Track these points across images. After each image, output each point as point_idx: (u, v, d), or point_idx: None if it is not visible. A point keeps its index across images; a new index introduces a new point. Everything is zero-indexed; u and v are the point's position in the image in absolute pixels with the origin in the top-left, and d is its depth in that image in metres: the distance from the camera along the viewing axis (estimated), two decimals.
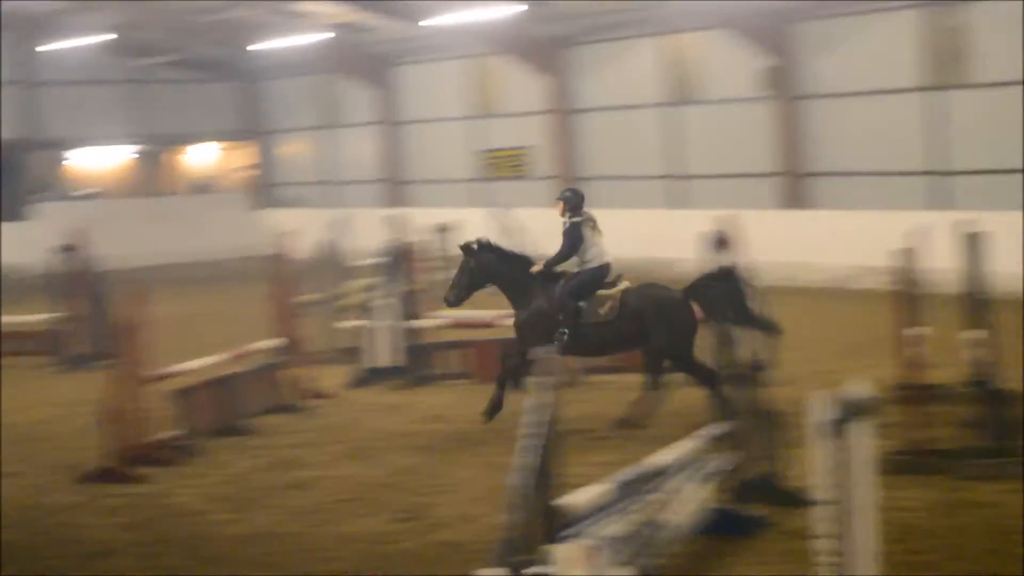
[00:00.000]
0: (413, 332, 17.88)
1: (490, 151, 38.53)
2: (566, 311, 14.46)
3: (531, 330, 14.55)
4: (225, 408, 15.11)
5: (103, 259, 20.45)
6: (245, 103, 47.30)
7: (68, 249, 20.19)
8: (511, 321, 15.18)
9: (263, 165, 47.98)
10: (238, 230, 41.49)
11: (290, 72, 44.51)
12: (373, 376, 17.72)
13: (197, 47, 43.41)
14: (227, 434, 14.73)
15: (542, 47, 35.32)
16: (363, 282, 19.14)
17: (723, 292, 11.86)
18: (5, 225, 40.29)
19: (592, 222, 14.74)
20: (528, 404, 7.71)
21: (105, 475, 13.00)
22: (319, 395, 16.76)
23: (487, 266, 14.84)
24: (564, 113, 35.65)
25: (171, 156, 50.58)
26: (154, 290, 15.32)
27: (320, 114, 44.83)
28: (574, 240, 14.61)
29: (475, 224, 25.98)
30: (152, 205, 44.10)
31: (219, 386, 15.21)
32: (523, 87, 36.70)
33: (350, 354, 18.34)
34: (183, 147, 50.18)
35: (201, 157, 50.62)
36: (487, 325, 18.07)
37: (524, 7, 31.74)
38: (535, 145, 36.90)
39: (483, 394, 16.10)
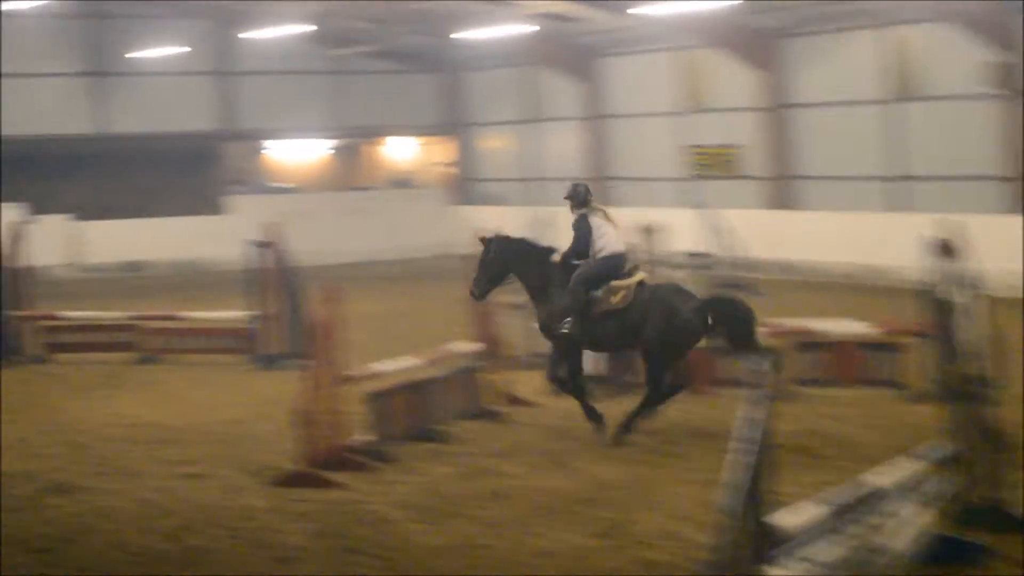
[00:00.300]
0: None
1: (698, 148, 38.27)
2: (575, 300, 14.77)
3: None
4: (420, 413, 15.19)
5: (298, 255, 20.76)
6: (445, 95, 47.71)
7: (263, 244, 20.51)
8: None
9: (463, 160, 48.33)
10: (436, 227, 41.82)
11: (492, 64, 44.76)
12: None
13: (399, 37, 43.88)
14: (422, 440, 14.80)
15: (755, 39, 34.98)
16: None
17: (739, 316, 13.37)
18: (201, 218, 41.23)
19: (602, 213, 15.15)
20: (738, 418, 7.58)
21: (297, 479, 13.15)
22: (517, 401, 16.76)
23: (504, 257, 15.31)
24: (777, 109, 35.26)
25: (369, 149, 51.25)
26: (349, 288, 15.44)
27: (522, 108, 45.00)
28: (583, 232, 14.98)
29: (682, 225, 25.79)
30: (348, 200, 44.70)
31: (415, 390, 15.29)
32: (734, 81, 36.39)
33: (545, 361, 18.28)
34: (381, 140, 50.81)
35: (399, 151, 51.19)
36: None
37: None
38: (745, 143, 36.55)
39: (690, 405, 15.99)
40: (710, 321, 14.35)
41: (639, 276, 14.96)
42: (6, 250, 22.15)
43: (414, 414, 15.07)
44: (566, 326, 14.82)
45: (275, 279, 20.47)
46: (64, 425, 16.58)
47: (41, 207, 38.95)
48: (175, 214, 41.51)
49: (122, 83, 44.30)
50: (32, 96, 42.90)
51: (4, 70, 42.47)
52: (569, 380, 15.07)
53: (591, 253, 15.01)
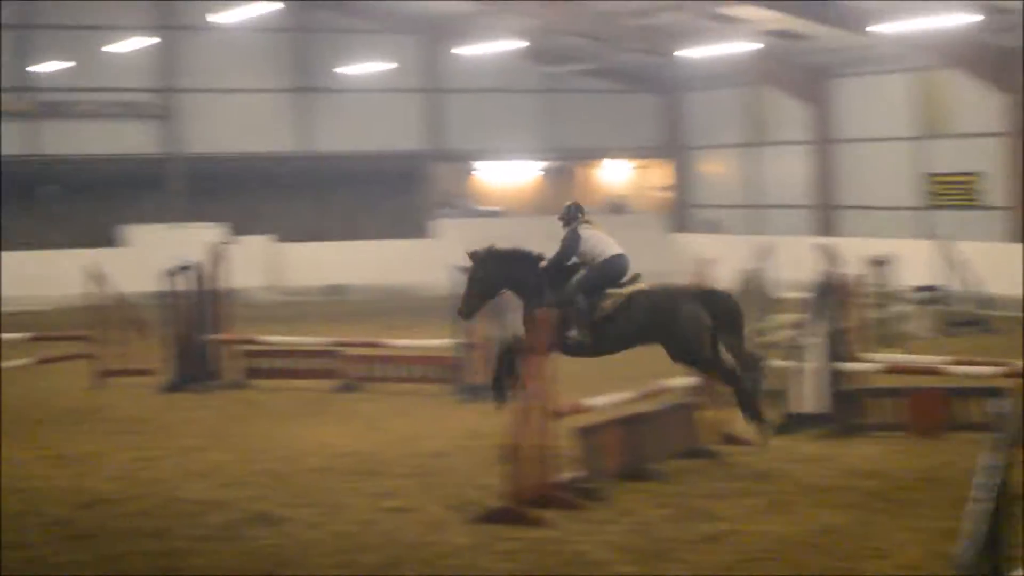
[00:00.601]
0: (842, 376, 17.60)
1: (935, 176, 37.71)
2: (578, 309, 15.38)
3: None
4: (633, 450, 15.19)
5: None
6: (664, 116, 47.74)
7: (464, 270, 20.71)
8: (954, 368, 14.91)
9: (680, 184, 48.28)
10: (652, 254, 41.68)
11: (714, 83, 44.68)
12: (796, 422, 17.52)
13: (616, 54, 44.02)
14: (633, 478, 14.80)
15: (998, 59, 34.34)
16: (788, 318, 18.98)
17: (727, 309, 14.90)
18: (406, 242, 41.81)
19: (595, 226, 15.96)
20: (979, 464, 7.47)
21: (502, 515, 13.23)
22: (735, 440, 16.67)
23: (495, 272, 15.88)
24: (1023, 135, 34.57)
25: (582, 172, 51.43)
26: None
27: (745, 130, 44.84)
28: (569, 242, 15.78)
29: (913, 256, 25.47)
30: (559, 225, 44.84)
31: (627, 425, 15.30)
32: (975, 104, 35.82)
33: (771, 396, 18.19)
34: (595, 163, 50.95)
35: (614, 174, 51.29)
36: (931, 371, 17.60)
37: (980, 17, 30.90)
38: (987, 170, 35.91)
39: (922, 449, 15.76)
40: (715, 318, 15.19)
41: (639, 285, 15.59)
42: (206, 272, 22.70)
43: (626, 451, 15.07)
44: (572, 336, 15.35)
45: None
46: (263, 453, 16.92)
47: (242, 227, 39.87)
48: (379, 237, 42.19)
49: (327, 100, 45.19)
50: (235, 112, 43.99)
51: (206, 85, 43.61)
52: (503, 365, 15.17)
53: (589, 260, 15.65)
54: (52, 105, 43.86)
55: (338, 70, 44.70)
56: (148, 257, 32.66)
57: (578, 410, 14.68)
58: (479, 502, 13.77)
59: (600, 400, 15.18)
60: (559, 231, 16.12)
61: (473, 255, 16.03)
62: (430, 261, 36.49)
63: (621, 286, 15.55)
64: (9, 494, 14.57)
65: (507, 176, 50.75)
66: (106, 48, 42.96)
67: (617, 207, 49.51)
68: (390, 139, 45.69)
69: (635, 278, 15.67)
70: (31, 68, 43.69)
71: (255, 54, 44.50)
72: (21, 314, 34.79)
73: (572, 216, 16.11)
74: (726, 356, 15.40)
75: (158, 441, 17.83)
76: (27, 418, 19.88)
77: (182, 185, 44.16)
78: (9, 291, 37.85)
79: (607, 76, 46.67)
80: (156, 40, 43.29)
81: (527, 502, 13.36)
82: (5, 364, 23.13)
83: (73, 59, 43.30)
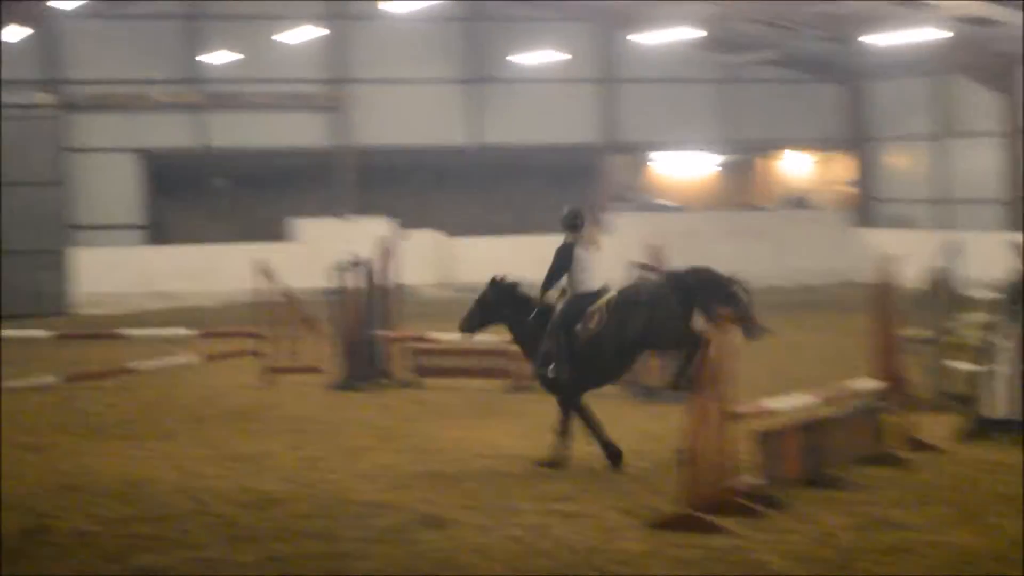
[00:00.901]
0: None
1: None
2: (557, 342, 15.70)
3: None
4: (815, 455, 15.02)
5: None
6: (847, 106, 47.24)
7: (646, 267, 20.67)
8: None
9: (864, 178, 47.74)
10: (834, 252, 41.41)
11: (901, 72, 44.13)
12: (987, 428, 17.23)
13: (798, 42, 43.65)
14: (816, 485, 14.65)
15: None
16: (979, 319, 18.67)
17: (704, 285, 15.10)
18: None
19: (591, 243, 16.34)
20: None
21: (677, 522, 13.15)
22: (923, 447, 16.44)
23: (494, 304, 16.55)
24: None
25: (762, 165, 51.09)
26: None
27: (933, 121, 44.21)
28: (560, 260, 16.14)
29: None
30: (737, 220, 44.70)
31: (809, 430, 15.13)
32: None
33: (960, 401, 17.92)
34: (775, 155, 50.57)
35: (795, 167, 50.88)
36: None
37: None
38: None
39: None
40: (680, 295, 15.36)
41: (608, 296, 15.87)
42: (376, 267, 22.90)
43: (808, 457, 14.91)
44: (551, 371, 15.77)
45: None
46: (432, 454, 17.03)
47: (411, 222, 40.16)
48: (551, 232, 42.02)
49: (499, 91, 45.40)
50: (405, 104, 44.36)
51: (377, 76, 44.04)
52: (582, 419, 16.03)
53: (569, 284, 16.03)
54: (221, 97, 44.60)
55: (510, 60, 44.84)
56: (317, 252, 33.10)
57: (760, 413, 14.56)
58: (655, 507, 13.72)
59: (782, 403, 15.05)
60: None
61: (492, 281, 16.70)
62: (604, 256, 36.43)
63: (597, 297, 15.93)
64: (178, 492, 14.83)
65: (684, 170, 50.57)
66: (276, 39, 43.52)
67: (798, 202, 49.13)
68: (563, 131, 45.76)
69: (602, 291, 16.05)
70: (201, 59, 44.42)
71: (426, 44, 44.82)
72: (189, 310, 35.41)
73: (571, 223, 16.53)
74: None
75: (326, 441, 18.02)
76: (195, 416, 20.22)
77: (351, 178, 44.62)
78: (177, 286, 38.57)
79: (787, 65, 46.29)
80: (326, 30, 43.75)
81: (704, 508, 13.27)
82: (173, 361, 23.58)
83: (243, 50, 43.96)
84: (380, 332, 22.77)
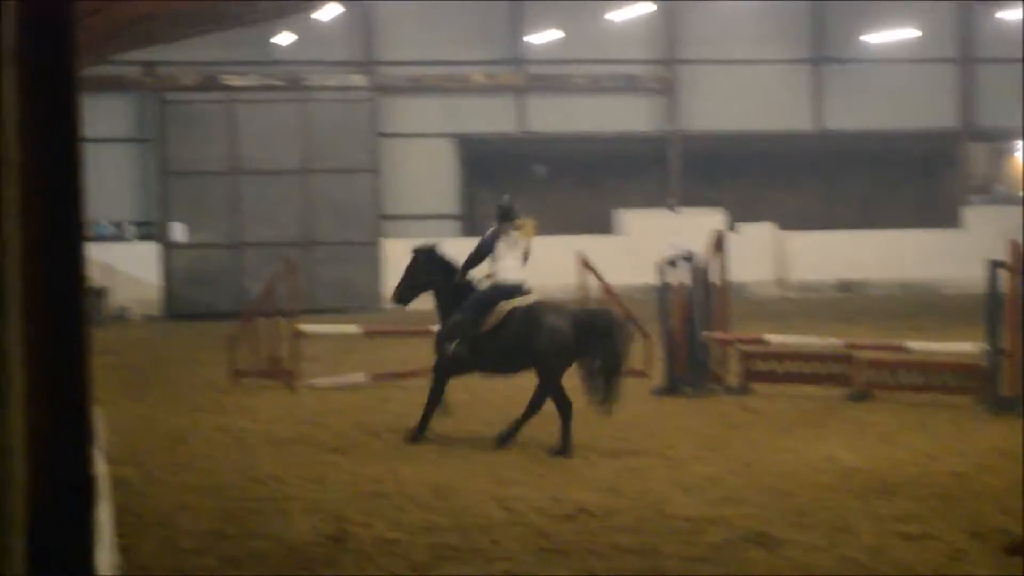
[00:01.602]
0: None
1: None
2: (464, 322, 17.58)
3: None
4: None
5: None
6: None
7: (1002, 265, 20.24)
8: None
9: None
10: None
11: None
12: None
13: None
14: None
15: None
16: None
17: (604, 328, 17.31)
18: (932, 232, 41.19)
19: (519, 238, 18.00)
20: None
21: None
22: None
23: (421, 270, 18.36)
24: None
25: None
26: None
27: None
28: (480, 249, 18.08)
29: None
30: None
31: None
32: None
33: None
34: None
35: None
36: None
37: None
38: None
39: None
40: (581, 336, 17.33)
41: (516, 301, 17.62)
42: (705, 263, 22.87)
43: None
44: (454, 346, 17.60)
45: (1014, 309, 20.10)
46: (761, 466, 16.95)
47: (743, 214, 40.06)
48: (899, 226, 41.68)
49: (843, 72, 45.00)
50: (740, 86, 44.28)
51: (710, 56, 44.03)
52: (433, 389, 18.12)
53: (491, 273, 17.94)
54: (543, 78, 45.03)
55: (858, 39, 44.35)
56: (643, 245, 33.25)
57: None
58: (1007, 530, 13.48)
59: None
60: None
61: (415, 250, 18.59)
62: (960, 255, 35.91)
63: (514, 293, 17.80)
64: (489, 501, 15.06)
65: None
66: (603, 17, 43.75)
67: None
68: (915, 115, 45.05)
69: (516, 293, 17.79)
70: (524, 38, 44.91)
71: (764, 22, 44.60)
72: None
73: (499, 216, 18.32)
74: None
75: (648, 449, 18.08)
76: (507, 419, 20.44)
77: (681, 166, 44.67)
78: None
79: None
80: (655, 7, 43.83)
81: None
82: None
83: (567, 29, 44.32)
84: (710, 333, 22.74)
